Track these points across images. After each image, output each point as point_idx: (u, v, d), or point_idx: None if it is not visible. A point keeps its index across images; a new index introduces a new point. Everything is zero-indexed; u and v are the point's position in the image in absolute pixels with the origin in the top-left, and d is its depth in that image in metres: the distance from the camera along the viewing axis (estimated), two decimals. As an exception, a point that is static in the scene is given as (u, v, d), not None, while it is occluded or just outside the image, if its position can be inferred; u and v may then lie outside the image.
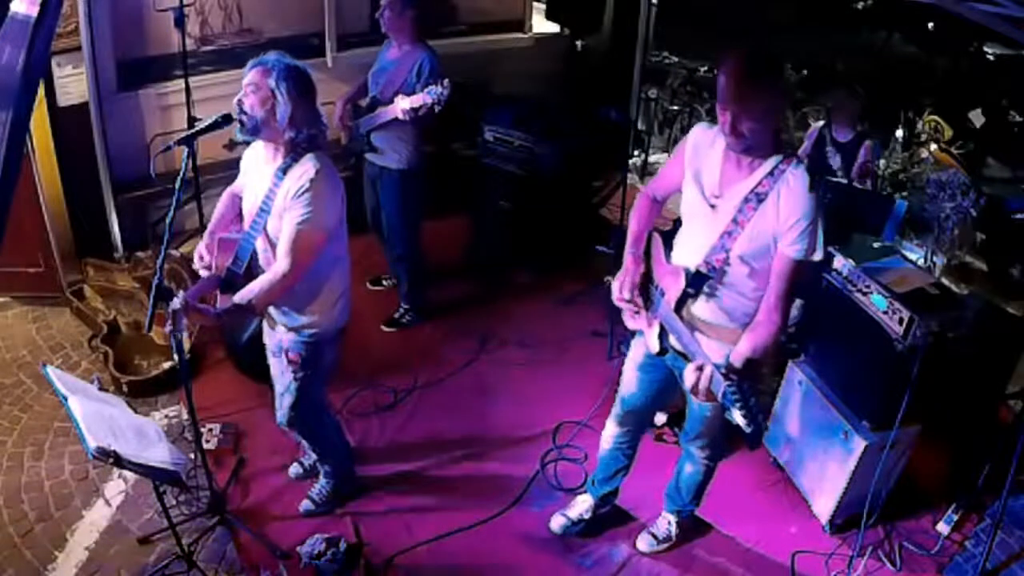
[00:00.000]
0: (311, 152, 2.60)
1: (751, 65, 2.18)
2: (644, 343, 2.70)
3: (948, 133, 6.46)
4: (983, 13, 3.04)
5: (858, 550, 3.17)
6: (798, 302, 4.58)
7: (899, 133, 6.31)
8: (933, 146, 6.05)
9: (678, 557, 3.17)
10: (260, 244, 2.71)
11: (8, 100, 2.70)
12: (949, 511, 3.38)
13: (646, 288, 2.61)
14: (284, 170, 2.59)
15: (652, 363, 2.77)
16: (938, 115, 6.50)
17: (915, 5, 7.40)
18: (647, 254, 2.65)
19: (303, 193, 2.53)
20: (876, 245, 3.50)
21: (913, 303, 2.94)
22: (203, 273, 2.78)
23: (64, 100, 4.35)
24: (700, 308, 2.48)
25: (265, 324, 2.97)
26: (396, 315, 4.48)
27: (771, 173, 2.29)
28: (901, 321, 2.93)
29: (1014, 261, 5.14)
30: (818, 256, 2.31)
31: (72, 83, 4.35)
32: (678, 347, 2.53)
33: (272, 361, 3.09)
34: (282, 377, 2.95)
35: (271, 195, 2.61)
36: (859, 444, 3.08)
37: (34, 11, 2.72)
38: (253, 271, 2.74)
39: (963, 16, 3.20)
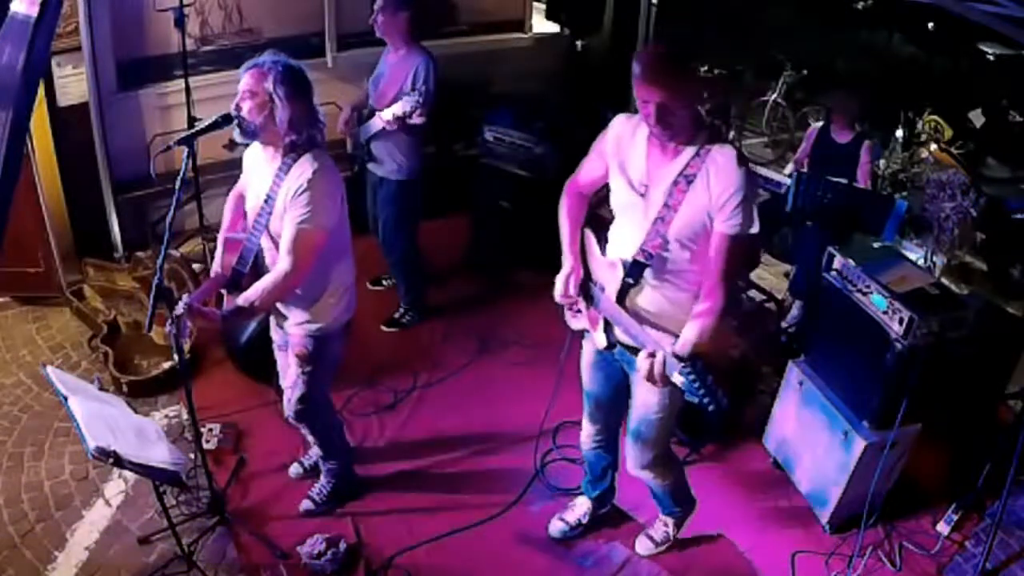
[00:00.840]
0: (310, 151, 2.61)
1: (664, 53, 2.22)
2: (592, 341, 2.70)
3: (948, 133, 6.47)
4: (983, 13, 3.04)
5: (858, 550, 3.17)
6: (798, 302, 4.60)
7: (899, 133, 6.31)
8: (933, 146, 6.05)
9: (677, 558, 3.17)
10: (265, 243, 2.73)
11: (8, 100, 2.70)
12: (949, 511, 3.38)
13: (585, 286, 2.61)
14: (284, 170, 2.60)
15: (603, 359, 2.77)
16: (938, 115, 6.50)
17: (915, 5, 7.40)
18: (581, 251, 2.64)
19: (302, 193, 2.54)
20: (876, 245, 3.50)
21: (913, 303, 2.94)
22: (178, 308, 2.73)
23: (64, 100, 4.36)
24: (643, 298, 2.47)
25: (272, 319, 2.99)
26: (396, 315, 4.48)
27: (697, 154, 2.30)
28: (901, 321, 2.93)
29: (1014, 261, 5.15)
30: (754, 229, 2.30)
31: (72, 83, 4.36)
32: (626, 340, 2.53)
33: (279, 355, 3.12)
34: (289, 371, 2.97)
35: (272, 195, 2.62)
36: (859, 444, 3.08)
37: (34, 11, 2.72)
38: (260, 270, 2.75)
39: (963, 16, 3.20)
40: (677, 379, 2.18)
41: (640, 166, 2.41)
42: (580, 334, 2.78)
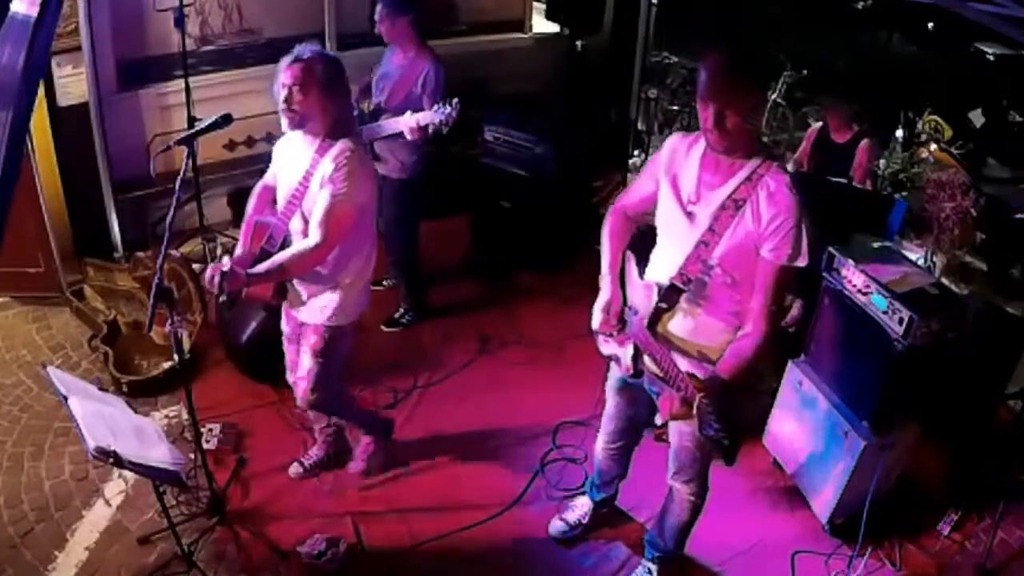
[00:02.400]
0: (346, 136, 2.72)
1: (735, 60, 2.15)
2: (618, 367, 2.63)
3: (948, 133, 6.46)
4: (983, 13, 3.04)
5: (858, 550, 3.17)
6: (798, 302, 4.59)
7: (899, 133, 6.30)
8: (933, 146, 6.04)
9: (679, 560, 3.17)
10: (296, 225, 2.80)
11: (8, 100, 2.70)
12: (949, 511, 3.38)
13: (620, 310, 2.52)
14: (322, 152, 2.70)
15: (628, 386, 2.72)
16: (938, 115, 6.50)
17: (915, 5, 7.39)
18: (621, 275, 2.56)
19: (341, 168, 2.65)
20: (876, 245, 3.50)
21: (913, 303, 2.93)
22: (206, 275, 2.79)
23: (64, 100, 4.35)
24: (676, 325, 2.39)
25: (284, 309, 3.03)
26: (396, 315, 4.48)
27: (749, 178, 2.22)
28: (901, 321, 2.93)
29: (1014, 261, 5.14)
30: (803, 262, 2.20)
31: (72, 83, 4.35)
32: (654, 369, 2.43)
33: (288, 348, 3.15)
34: (302, 362, 3.02)
35: (309, 174, 2.71)
36: (859, 444, 3.08)
37: (34, 11, 2.72)
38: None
39: (963, 16, 3.20)
40: (694, 410, 2.13)
41: (691, 183, 2.32)
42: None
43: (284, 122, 2.70)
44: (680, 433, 2.64)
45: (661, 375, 2.38)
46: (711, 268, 2.28)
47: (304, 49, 2.64)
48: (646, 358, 2.45)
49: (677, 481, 2.77)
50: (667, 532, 2.93)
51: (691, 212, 2.31)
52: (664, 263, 2.40)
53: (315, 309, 2.91)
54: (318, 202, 2.68)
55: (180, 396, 3.77)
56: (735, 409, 2.08)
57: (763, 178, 2.21)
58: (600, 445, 3.07)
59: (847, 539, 3.25)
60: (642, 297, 2.42)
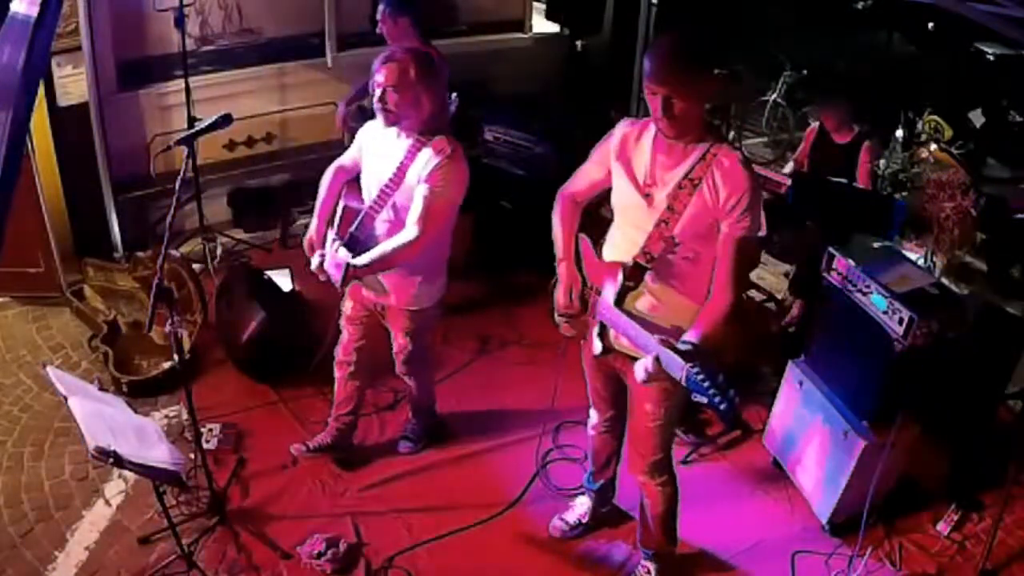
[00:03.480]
0: (443, 134, 2.79)
1: (680, 46, 2.19)
2: (588, 348, 2.68)
3: (948, 133, 6.46)
4: (983, 13, 3.04)
5: (858, 550, 3.17)
6: (798, 302, 4.60)
7: (899, 133, 6.30)
8: (933, 146, 6.04)
9: (678, 558, 3.17)
10: (386, 214, 2.87)
11: (8, 100, 2.70)
12: (949, 511, 3.38)
13: (581, 292, 2.58)
14: (417, 147, 2.77)
15: (600, 365, 2.76)
16: (938, 115, 6.50)
17: (915, 5, 7.40)
18: (576, 258, 2.62)
19: (441, 167, 2.72)
20: (876, 245, 3.50)
21: (913, 303, 2.93)
22: (314, 261, 2.91)
23: (64, 100, 4.35)
24: (643, 303, 2.45)
25: (352, 298, 3.14)
26: None
27: (703, 157, 2.29)
28: (901, 321, 2.93)
29: (1014, 261, 5.15)
30: (761, 232, 2.32)
31: (72, 83, 4.36)
32: (622, 346, 2.50)
33: (347, 328, 3.27)
34: (394, 340, 3.22)
35: (404, 168, 2.77)
36: (859, 444, 3.08)
37: (34, 11, 2.72)
38: (369, 241, 2.87)
39: (963, 16, 3.20)
40: (677, 375, 2.14)
41: (645, 168, 2.39)
42: (577, 338, 2.75)
43: (380, 119, 2.79)
44: (636, 418, 2.68)
45: (633, 349, 2.41)
46: (676, 245, 2.34)
47: (397, 49, 2.75)
48: (612, 335, 2.52)
49: (640, 474, 2.79)
50: (652, 528, 2.94)
51: (648, 194, 2.38)
52: (624, 244, 2.47)
53: (402, 295, 3.00)
54: (415, 197, 2.75)
55: (180, 396, 3.77)
56: (720, 371, 2.09)
57: (717, 156, 2.29)
58: (591, 423, 3.09)
59: (847, 539, 3.25)
60: (606, 278, 2.49)
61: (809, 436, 3.37)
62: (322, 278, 2.87)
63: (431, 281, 3.05)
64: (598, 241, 2.63)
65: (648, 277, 2.41)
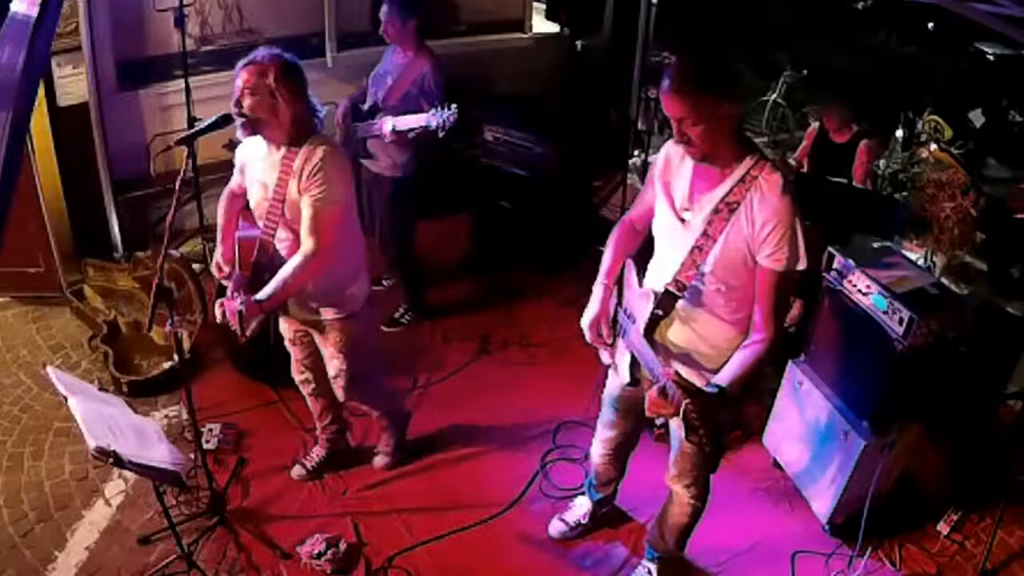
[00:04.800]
0: (313, 136, 2.66)
1: (690, 69, 2.10)
2: (616, 375, 2.62)
3: (948, 133, 6.46)
4: (983, 13, 3.04)
5: (858, 550, 3.17)
6: (798, 302, 4.59)
7: (899, 133, 6.31)
8: (933, 146, 6.04)
9: (678, 559, 3.17)
10: (281, 234, 2.76)
11: (8, 100, 2.70)
12: (949, 511, 3.38)
13: (615, 316, 2.50)
14: (290, 158, 2.64)
15: (624, 396, 2.71)
16: (938, 115, 6.50)
17: (915, 5, 7.40)
18: (619, 282, 2.54)
19: (317, 172, 2.60)
20: (876, 245, 3.50)
21: (913, 303, 2.93)
22: (224, 283, 2.82)
23: (64, 100, 4.36)
24: (674, 333, 2.37)
25: (283, 317, 3.02)
26: (396, 315, 4.48)
27: (742, 179, 2.17)
28: (901, 321, 2.93)
29: (1014, 261, 5.15)
30: (802, 265, 2.16)
31: (72, 83, 4.36)
32: (652, 378, 2.37)
33: (292, 350, 3.16)
34: (330, 363, 3.04)
35: (282, 183, 2.66)
36: (859, 444, 3.08)
37: (34, 11, 2.72)
38: (275, 264, 2.77)
39: (963, 16, 3.20)
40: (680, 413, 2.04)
41: (684, 189, 2.30)
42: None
43: (238, 129, 2.61)
44: (675, 439, 2.63)
45: (653, 381, 2.34)
46: (704, 275, 2.25)
47: (261, 53, 2.58)
48: (643, 366, 2.43)
49: (678, 484, 2.74)
50: (667, 533, 2.92)
51: (684, 218, 2.29)
52: (660, 270, 2.38)
53: (321, 311, 2.90)
54: (303, 210, 2.64)
55: (180, 396, 3.78)
56: (725, 417, 2.03)
57: (756, 179, 2.17)
58: (595, 451, 3.06)
59: (847, 539, 3.25)
60: (639, 305, 2.41)
61: (809, 436, 3.37)
62: (236, 329, 2.67)
63: (354, 283, 2.93)
64: (642, 268, 2.52)
65: (680, 306, 2.31)
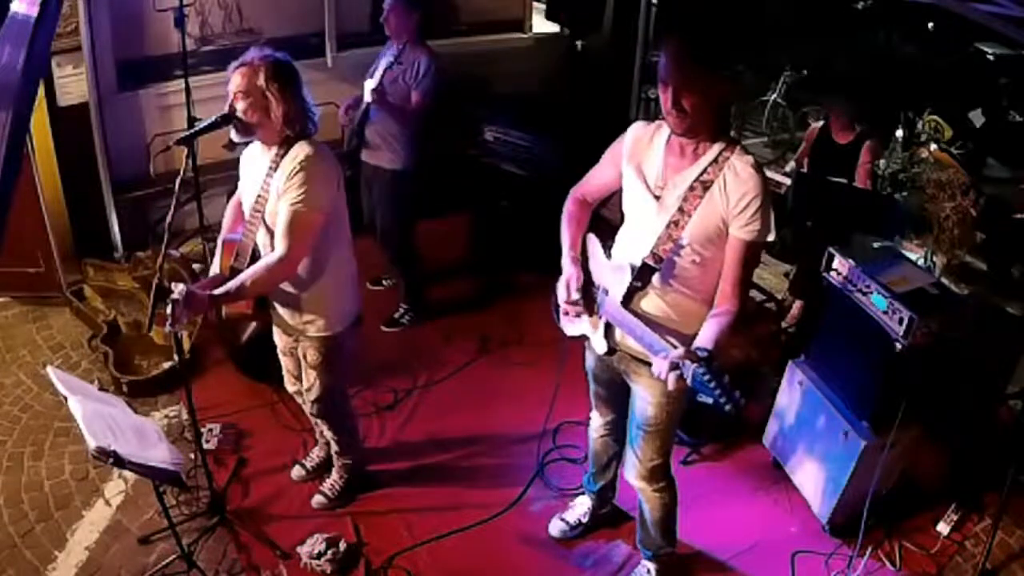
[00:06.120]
0: (302, 140, 2.61)
1: (692, 45, 2.20)
2: (591, 347, 2.68)
3: (948, 133, 6.47)
4: (983, 13, 3.04)
5: (858, 550, 3.17)
6: (798, 302, 4.60)
7: (899, 133, 6.31)
8: (933, 146, 6.04)
9: (678, 558, 3.17)
10: (262, 237, 2.71)
11: (8, 100, 2.69)
12: (949, 511, 3.39)
13: (587, 291, 2.55)
14: (278, 160, 2.60)
15: (603, 366, 2.76)
16: (938, 115, 6.50)
17: (915, 5, 7.40)
18: (583, 256, 2.61)
19: (296, 174, 2.53)
20: (876, 245, 3.50)
21: (913, 303, 2.93)
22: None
23: (64, 100, 4.36)
24: (649, 303, 2.45)
25: (275, 324, 2.98)
26: (395, 315, 4.48)
27: (715, 160, 2.29)
28: (901, 321, 2.93)
29: (1014, 261, 5.15)
30: (771, 237, 2.30)
31: (72, 83, 4.36)
32: (628, 345, 2.50)
33: (284, 360, 3.12)
34: (307, 376, 2.97)
35: (267, 184, 2.62)
36: (859, 444, 3.08)
37: (34, 11, 2.71)
38: None
39: (963, 16, 3.20)
40: (689, 379, 2.11)
41: (657, 169, 2.39)
42: (579, 338, 2.74)
43: (231, 131, 2.58)
44: (635, 422, 2.67)
45: (640, 350, 2.40)
46: (681, 247, 2.34)
47: (253, 54, 2.56)
48: (618, 335, 2.52)
49: (638, 480, 2.78)
50: (651, 531, 2.95)
51: (659, 196, 2.38)
52: (634, 245, 2.46)
53: (304, 326, 2.84)
54: (279, 213, 2.57)
55: (180, 396, 3.78)
56: (724, 372, 2.07)
57: (728, 159, 2.29)
58: (592, 426, 3.09)
59: (847, 539, 3.25)
60: (613, 277, 2.49)
61: (809, 436, 3.37)
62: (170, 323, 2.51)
63: (341, 298, 2.86)
64: (606, 243, 2.61)
65: (655, 278, 2.41)
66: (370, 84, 3.86)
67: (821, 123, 4.66)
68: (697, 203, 2.30)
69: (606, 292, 2.52)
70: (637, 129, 2.48)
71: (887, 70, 7.75)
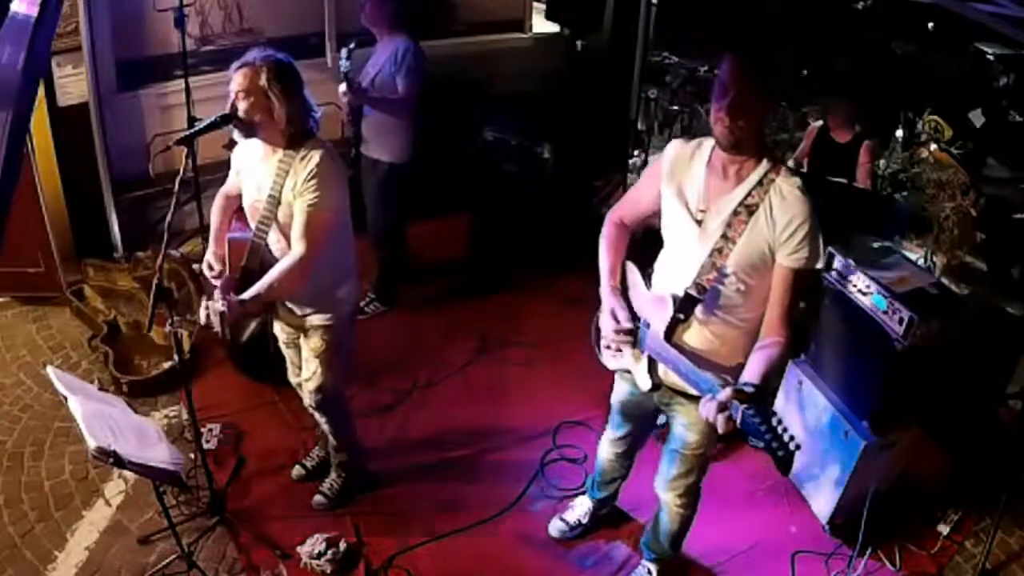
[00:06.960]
0: (309, 140, 2.64)
1: (759, 63, 2.12)
2: (627, 381, 2.62)
3: (948, 133, 6.45)
4: (983, 13, 3.04)
5: (858, 550, 3.17)
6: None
7: (899, 133, 6.30)
8: (933, 146, 6.04)
9: (678, 559, 3.17)
10: (273, 236, 2.74)
11: (8, 100, 2.69)
12: (949, 511, 3.38)
13: (628, 319, 2.46)
14: (287, 162, 2.62)
15: (636, 401, 2.70)
16: (938, 115, 6.49)
17: (915, 5, 7.38)
18: (622, 286, 2.52)
19: (312, 178, 2.58)
20: (876, 245, 3.50)
21: (913, 303, 2.93)
22: (214, 282, 2.79)
23: (64, 100, 4.35)
24: (692, 336, 2.34)
25: (277, 316, 3.00)
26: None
27: (760, 182, 2.19)
28: (901, 321, 2.93)
29: (1014, 261, 5.14)
30: (819, 264, 2.20)
31: (72, 83, 4.36)
32: (674, 380, 2.39)
33: (287, 352, 3.13)
34: (307, 365, 2.99)
35: (277, 185, 2.64)
36: (859, 444, 3.08)
37: (34, 11, 2.71)
38: (266, 266, 2.75)
39: (963, 16, 3.20)
40: (738, 422, 2.02)
41: (698, 192, 2.28)
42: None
43: (234, 132, 2.61)
44: (675, 444, 2.63)
45: (683, 384, 2.33)
46: (726, 276, 2.24)
47: (254, 54, 2.56)
48: (661, 370, 2.42)
49: (668, 492, 2.74)
50: (661, 538, 2.93)
51: (701, 220, 2.27)
52: (675, 273, 2.35)
53: (307, 316, 2.88)
54: (295, 214, 2.62)
55: (180, 396, 3.78)
56: (774, 413, 1.98)
57: (774, 181, 2.18)
58: (603, 449, 3.06)
59: (847, 539, 3.25)
60: (654, 309, 2.38)
61: (809, 436, 3.37)
62: (216, 330, 2.60)
63: (343, 285, 2.91)
64: (645, 270, 2.50)
65: (698, 309, 2.30)
66: (342, 88, 3.90)
67: (821, 123, 4.66)
68: (742, 229, 2.19)
69: (647, 325, 2.40)
70: (677, 147, 2.37)
71: (887, 70, 7.75)
